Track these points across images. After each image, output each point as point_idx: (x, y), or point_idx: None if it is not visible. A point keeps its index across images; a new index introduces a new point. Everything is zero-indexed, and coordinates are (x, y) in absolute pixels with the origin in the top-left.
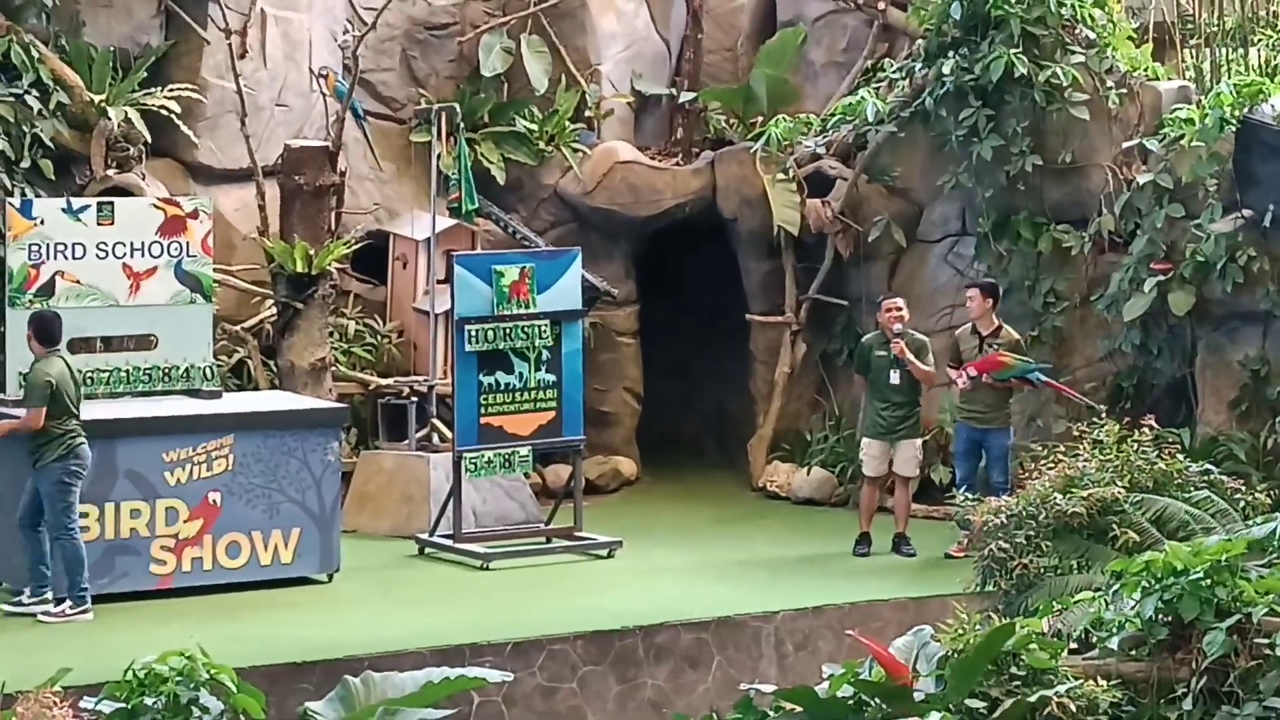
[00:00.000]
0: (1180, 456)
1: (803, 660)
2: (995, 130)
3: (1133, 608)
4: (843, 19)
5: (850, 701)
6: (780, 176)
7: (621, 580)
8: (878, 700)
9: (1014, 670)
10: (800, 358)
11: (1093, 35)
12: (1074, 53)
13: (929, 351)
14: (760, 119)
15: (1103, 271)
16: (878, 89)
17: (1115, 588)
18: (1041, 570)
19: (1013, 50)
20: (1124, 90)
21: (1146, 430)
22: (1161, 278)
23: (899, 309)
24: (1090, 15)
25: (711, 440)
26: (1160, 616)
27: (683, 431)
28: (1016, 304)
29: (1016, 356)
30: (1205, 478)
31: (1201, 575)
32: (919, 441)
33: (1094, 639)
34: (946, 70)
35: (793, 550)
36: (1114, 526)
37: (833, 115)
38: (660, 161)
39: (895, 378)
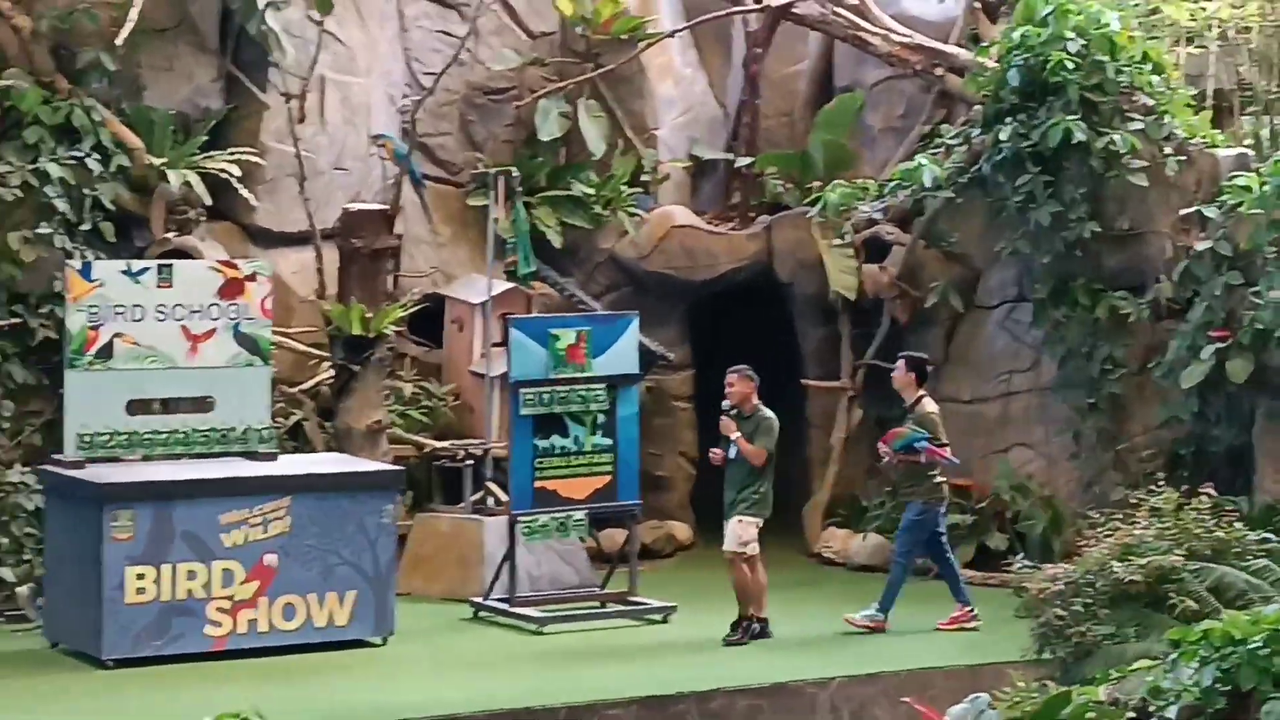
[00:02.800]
0: (1238, 524)
1: None
2: (1053, 196)
3: (1191, 676)
4: (900, 85)
5: None
6: (837, 242)
7: (676, 645)
8: None
9: None
10: (856, 423)
11: (1151, 102)
12: (1132, 119)
13: (766, 433)
14: (817, 184)
15: (1160, 339)
16: (935, 154)
17: (1173, 656)
18: (1099, 638)
19: (1071, 117)
20: (1182, 157)
21: (1204, 498)
22: (1220, 345)
23: (731, 383)
24: (1149, 82)
25: None
26: (1218, 685)
27: None
28: (1074, 370)
29: (911, 428)
30: (1264, 546)
31: (1260, 644)
32: (745, 520)
33: (1151, 708)
34: (1004, 136)
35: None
36: (1172, 595)
37: (890, 181)
38: (717, 226)
39: (732, 452)
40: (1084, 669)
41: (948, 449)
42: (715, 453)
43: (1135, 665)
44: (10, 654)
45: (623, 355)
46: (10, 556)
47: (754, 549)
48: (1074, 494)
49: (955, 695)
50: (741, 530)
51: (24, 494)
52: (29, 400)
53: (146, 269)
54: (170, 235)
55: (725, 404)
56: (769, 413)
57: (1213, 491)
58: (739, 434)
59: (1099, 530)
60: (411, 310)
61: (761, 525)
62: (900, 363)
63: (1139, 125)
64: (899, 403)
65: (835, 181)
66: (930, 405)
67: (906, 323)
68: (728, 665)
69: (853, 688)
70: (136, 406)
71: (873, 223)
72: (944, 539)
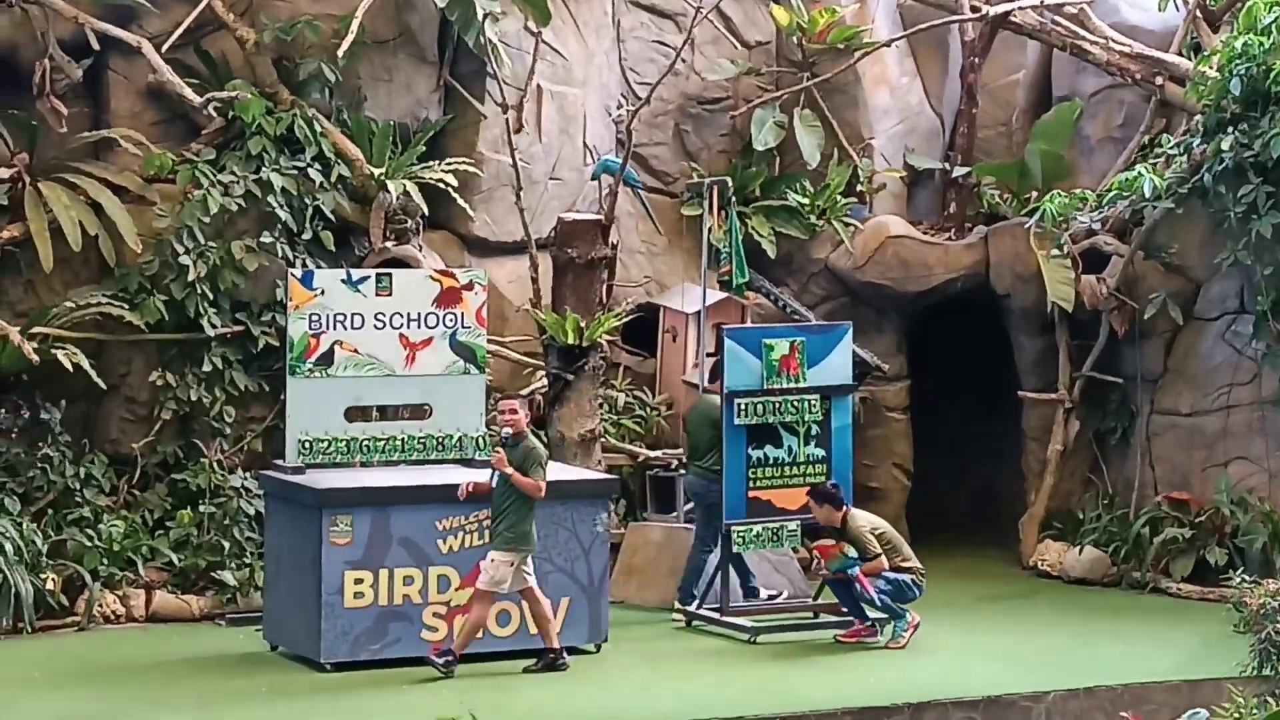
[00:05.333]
0: None
1: None
2: (1275, 207)
3: None
4: (1119, 94)
5: None
6: (1055, 252)
7: (889, 657)
8: None
9: None
10: (1073, 436)
11: None
12: None
13: (537, 463)
14: (1035, 194)
15: None
16: (1155, 165)
17: None
18: None
19: None
20: None
21: None
22: None
23: (509, 411)
24: None
25: (981, 518)
26: None
27: (952, 509)
28: None
29: (845, 552)
30: None
31: None
32: (502, 555)
33: None
34: (1225, 146)
35: (1064, 630)
36: None
37: (1109, 191)
38: (932, 236)
39: (494, 481)
40: None
41: (882, 559)
42: (478, 484)
43: None
44: (231, 656)
45: (837, 366)
46: (232, 560)
47: (506, 588)
48: None
49: (1173, 710)
50: (494, 569)
51: (245, 499)
52: (250, 406)
53: (366, 278)
54: (389, 244)
55: (505, 433)
56: (535, 441)
57: None
58: (512, 469)
59: None
60: (625, 320)
61: (517, 562)
62: (810, 503)
63: None
64: (1117, 415)
65: (1053, 192)
66: (857, 521)
67: (1124, 334)
68: (942, 677)
69: (1069, 701)
70: (354, 413)
71: (1091, 233)
72: (854, 586)
